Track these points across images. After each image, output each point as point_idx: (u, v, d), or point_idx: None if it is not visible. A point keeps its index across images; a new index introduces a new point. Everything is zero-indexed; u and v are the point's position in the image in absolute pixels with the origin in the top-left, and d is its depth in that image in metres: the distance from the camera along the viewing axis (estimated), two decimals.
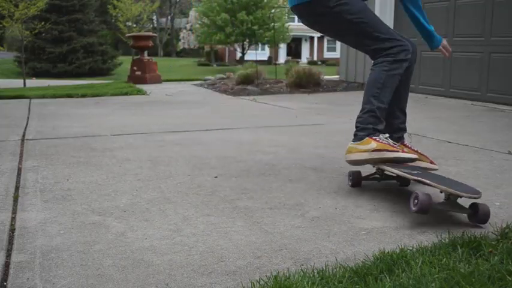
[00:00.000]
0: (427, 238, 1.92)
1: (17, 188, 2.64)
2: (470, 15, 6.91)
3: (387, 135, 2.50)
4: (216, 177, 2.86)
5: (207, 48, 38.66)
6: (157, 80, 11.15)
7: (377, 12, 8.26)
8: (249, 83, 8.75)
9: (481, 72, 6.74)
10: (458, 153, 3.42)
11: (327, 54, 42.17)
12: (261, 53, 34.85)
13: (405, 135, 2.74)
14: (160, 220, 2.15)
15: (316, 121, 5.00)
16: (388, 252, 1.72)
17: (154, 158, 3.34)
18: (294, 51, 42.51)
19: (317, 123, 4.86)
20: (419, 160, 2.55)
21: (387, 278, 1.53)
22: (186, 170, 3.01)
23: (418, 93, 7.53)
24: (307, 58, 40.55)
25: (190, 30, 40.90)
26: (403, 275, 1.54)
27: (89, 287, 1.57)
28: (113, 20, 32.93)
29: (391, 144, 2.44)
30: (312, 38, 42.67)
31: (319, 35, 42.36)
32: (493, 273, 1.52)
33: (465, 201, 2.09)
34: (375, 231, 2.02)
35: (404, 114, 2.72)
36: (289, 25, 30.77)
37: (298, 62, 25.11)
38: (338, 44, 37.66)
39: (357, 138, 2.49)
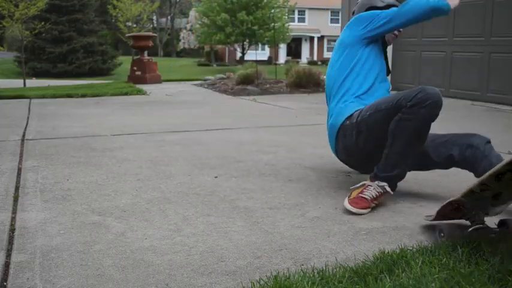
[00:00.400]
0: (427, 238, 1.92)
1: (17, 188, 2.63)
2: (470, 15, 6.91)
3: (384, 184, 2.34)
4: (216, 177, 2.86)
5: (207, 48, 38.65)
6: (157, 80, 11.15)
7: None
8: (249, 83, 8.75)
9: (481, 72, 6.75)
10: None
11: (327, 54, 42.16)
12: (261, 53, 34.85)
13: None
14: (160, 220, 2.15)
15: (316, 121, 5.00)
16: (388, 252, 1.72)
17: (154, 158, 3.34)
18: (294, 51, 42.51)
19: (317, 123, 4.86)
20: None
21: (387, 278, 1.53)
22: (186, 170, 3.01)
23: None
24: (307, 58, 40.54)
25: (190, 30, 40.89)
26: (403, 275, 1.54)
27: (89, 287, 1.57)
28: (113, 20, 32.91)
29: (364, 194, 2.31)
30: (312, 38, 42.69)
31: (319, 35, 42.42)
32: (493, 273, 1.52)
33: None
34: (375, 231, 2.02)
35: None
36: (289, 25, 30.78)
37: (298, 62, 25.11)
38: None
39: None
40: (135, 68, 11.02)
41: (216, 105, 6.59)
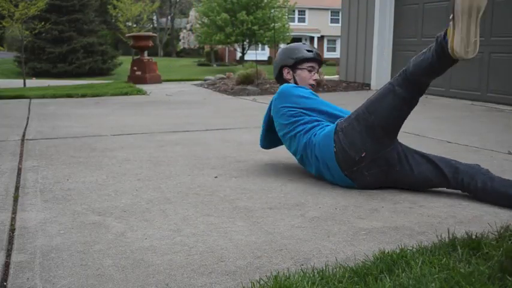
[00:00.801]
0: (427, 238, 1.92)
1: (17, 188, 2.64)
2: None
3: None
4: (216, 177, 2.86)
5: (207, 48, 38.68)
6: (157, 80, 11.15)
7: (377, 12, 8.28)
8: (249, 83, 8.75)
9: (481, 72, 6.74)
10: (458, 153, 3.41)
11: (327, 54, 42.17)
12: (261, 53, 34.86)
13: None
14: (160, 220, 2.15)
15: None
16: (388, 252, 1.72)
17: (155, 158, 3.34)
18: None
19: None
20: None
21: (387, 278, 1.53)
22: (186, 170, 3.01)
23: None
24: None
25: (190, 30, 40.92)
26: (403, 275, 1.54)
27: (89, 287, 1.57)
28: (113, 20, 32.95)
29: None
30: (312, 38, 42.70)
31: (319, 35, 42.43)
32: (493, 273, 1.52)
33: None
34: (375, 231, 2.02)
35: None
36: (289, 25, 30.79)
37: None
38: (338, 44, 37.70)
39: (446, 39, 2.31)
40: (135, 68, 11.02)
41: (216, 105, 6.59)
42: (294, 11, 39.28)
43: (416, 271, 1.56)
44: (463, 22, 2.22)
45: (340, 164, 2.54)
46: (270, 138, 3.07)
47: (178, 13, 52.12)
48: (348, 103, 6.51)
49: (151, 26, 43.97)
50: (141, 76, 10.84)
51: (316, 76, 2.89)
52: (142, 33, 16.95)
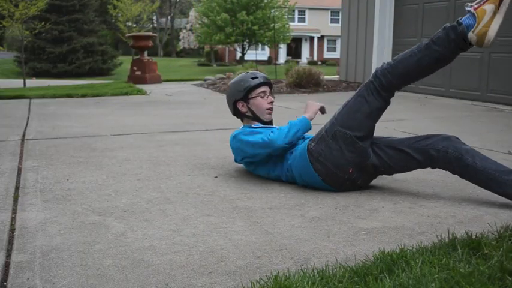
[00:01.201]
0: (427, 238, 1.92)
1: (17, 188, 2.63)
2: None
3: None
4: (216, 177, 2.86)
5: (207, 48, 38.68)
6: (157, 80, 11.15)
7: (377, 12, 8.28)
8: None
9: (481, 72, 6.75)
10: None
11: (327, 54, 42.20)
12: (261, 53, 34.87)
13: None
14: (160, 220, 2.15)
15: (316, 121, 5.00)
16: (388, 252, 1.71)
17: (154, 158, 3.34)
18: (294, 51, 42.54)
19: (317, 123, 4.85)
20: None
21: (387, 278, 1.53)
22: (186, 170, 3.01)
23: (418, 93, 7.54)
24: (307, 58, 40.56)
25: (191, 30, 40.92)
26: (403, 275, 1.54)
27: (89, 287, 1.57)
28: (113, 20, 32.95)
29: None
30: (312, 38, 42.72)
31: (319, 35, 42.43)
32: (493, 273, 1.52)
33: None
34: (375, 231, 2.02)
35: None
36: (289, 25, 30.78)
37: (298, 62, 25.11)
38: (338, 44, 37.70)
39: (469, 25, 2.30)
40: (135, 68, 11.02)
41: (216, 105, 6.59)
42: (294, 11, 39.28)
43: (416, 271, 1.56)
44: (502, 12, 2.23)
45: (332, 185, 2.55)
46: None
47: (178, 13, 52.12)
48: None
49: (151, 26, 43.96)
50: (141, 76, 10.84)
51: (270, 99, 2.85)
52: (142, 33, 16.96)
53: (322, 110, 2.83)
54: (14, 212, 2.26)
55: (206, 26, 29.45)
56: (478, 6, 2.26)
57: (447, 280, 1.49)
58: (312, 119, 2.73)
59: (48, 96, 7.56)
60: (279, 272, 1.61)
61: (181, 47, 46.82)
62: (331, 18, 42.47)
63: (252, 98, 2.82)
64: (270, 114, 2.88)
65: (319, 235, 1.97)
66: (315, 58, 41.27)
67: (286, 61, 30.21)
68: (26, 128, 4.60)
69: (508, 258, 1.62)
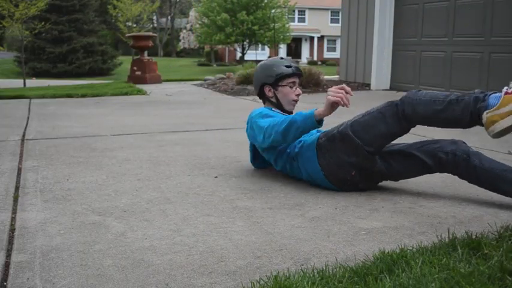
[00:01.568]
0: (427, 238, 1.92)
1: (17, 188, 2.63)
2: (470, 15, 6.92)
3: None
4: (216, 177, 2.86)
5: (207, 48, 38.68)
6: (157, 80, 11.15)
7: (377, 12, 8.28)
8: (249, 83, 8.74)
9: (481, 72, 6.75)
10: None
11: (327, 54, 42.20)
12: (261, 53, 34.85)
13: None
14: (160, 220, 2.15)
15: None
16: (388, 252, 1.72)
17: (154, 158, 3.34)
18: (294, 51, 42.53)
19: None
20: None
21: (387, 278, 1.53)
22: (186, 170, 3.01)
23: None
24: (307, 58, 40.57)
25: (191, 30, 40.92)
26: (403, 275, 1.54)
27: (89, 287, 1.57)
28: (113, 20, 32.95)
29: None
30: (312, 38, 42.72)
31: (319, 35, 42.43)
32: (493, 273, 1.52)
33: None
34: (375, 231, 2.02)
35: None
36: (289, 25, 30.78)
37: (298, 62, 25.09)
38: (338, 44, 37.71)
39: (489, 105, 2.13)
40: (135, 68, 11.02)
41: (216, 105, 6.59)
42: (294, 11, 39.29)
43: (416, 271, 1.56)
44: None
45: (333, 183, 2.56)
46: (261, 157, 2.98)
47: (178, 13, 52.12)
48: None
49: (151, 26, 43.96)
50: (141, 76, 10.84)
51: (298, 91, 2.82)
52: (142, 33, 16.95)
53: (340, 102, 2.32)
54: (14, 212, 2.26)
55: (206, 26, 29.45)
56: (511, 93, 2.10)
57: (447, 280, 1.49)
58: (325, 115, 2.36)
59: (48, 96, 7.56)
60: (279, 272, 1.61)
61: (181, 47, 46.83)
62: (331, 18, 42.47)
63: (281, 85, 2.78)
64: (294, 106, 2.86)
65: (319, 235, 1.97)
66: (315, 58, 41.27)
67: None
68: (26, 128, 4.60)
69: (508, 258, 1.62)
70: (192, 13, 39.61)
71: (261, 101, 3.02)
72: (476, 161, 2.31)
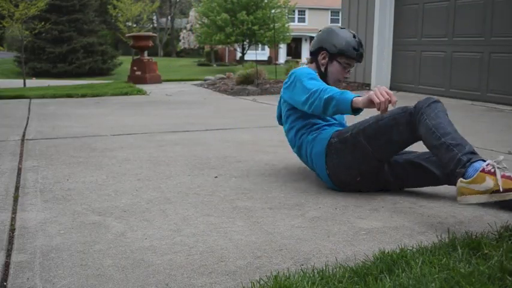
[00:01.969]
0: (427, 238, 1.92)
1: (17, 188, 2.63)
2: (470, 15, 6.91)
3: (501, 157, 2.03)
4: (216, 177, 2.86)
5: (207, 48, 38.68)
6: (157, 80, 11.15)
7: (377, 12, 8.27)
8: (249, 83, 8.75)
9: (481, 72, 6.74)
10: None
11: None
12: (261, 53, 34.86)
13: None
14: (160, 220, 2.15)
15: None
16: (388, 252, 1.72)
17: (155, 158, 3.34)
18: (294, 51, 42.53)
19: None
20: None
21: (387, 278, 1.53)
22: (186, 170, 3.01)
23: (418, 93, 7.54)
24: (307, 58, 40.37)
25: (191, 30, 40.92)
26: (403, 275, 1.54)
27: (89, 287, 1.57)
28: (113, 20, 32.95)
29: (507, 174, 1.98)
30: (312, 38, 42.64)
31: None
32: (493, 273, 1.52)
33: None
34: (375, 231, 2.02)
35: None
36: (289, 25, 30.77)
37: (298, 62, 25.11)
38: None
39: (466, 174, 2.03)
40: (135, 68, 11.02)
41: (216, 105, 6.59)
42: (294, 11, 39.28)
43: (416, 271, 1.56)
44: (489, 199, 1.98)
45: (335, 184, 2.56)
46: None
47: (178, 13, 52.11)
48: None
49: (151, 26, 43.96)
50: (141, 76, 10.84)
51: (348, 74, 2.73)
52: (142, 33, 16.97)
53: (378, 105, 2.17)
54: (14, 212, 2.26)
55: (206, 26, 29.44)
56: (487, 171, 1.97)
57: (447, 280, 1.49)
58: (360, 107, 2.26)
59: (48, 96, 7.56)
60: (279, 272, 1.61)
61: (181, 47, 46.82)
62: (331, 18, 42.45)
63: (337, 61, 2.67)
64: (337, 86, 2.73)
65: (319, 235, 1.97)
66: None
67: (286, 61, 30.20)
68: (26, 128, 4.60)
69: (508, 258, 1.62)
70: (192, 13, 39.59)
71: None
72: None
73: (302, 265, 1.69)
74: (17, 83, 15.18)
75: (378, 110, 2.16)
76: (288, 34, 30.20)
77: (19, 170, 3.02)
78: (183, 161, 3.24)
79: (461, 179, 2.03)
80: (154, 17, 44.36)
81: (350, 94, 2.29)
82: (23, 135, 4.18)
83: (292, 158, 3.32)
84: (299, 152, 2.75)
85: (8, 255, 1.80)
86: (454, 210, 2.27)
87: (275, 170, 3.00)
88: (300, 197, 2.49)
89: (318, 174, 2.66)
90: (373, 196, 2.48)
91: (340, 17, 9.99)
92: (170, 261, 1.74)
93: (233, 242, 1.91)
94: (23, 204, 2.37)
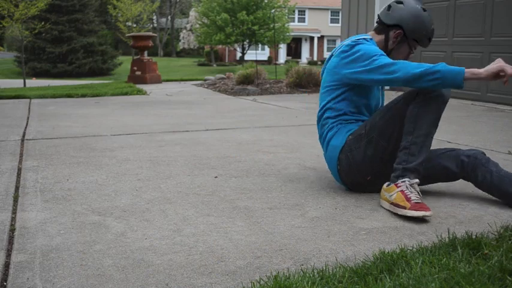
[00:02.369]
0: (427, 238, 1.92)
1: (17, 188, 2.63)
2: (470, 15, 6.91)
3: (416, 181, 2.27)
4: (216, 177, 2.86)
5: (207, 48, 38.69)
6: (157, 80, 11.16)
7: (377, 12, 8.27)
8: (249, 83, 8.75)
9: None
10: None
11: (327, 55, 42.07)
12: (261, 53, 34.88)
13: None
14: (160, 220, 2.15)
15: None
16: (388, 252, 1.72)
17: (154, 158, 3.34)
18: (294, 51, 42.55)
19: None
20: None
21: (387, 278, 1.53)
22: (186, 170, 3.01)
23: None
24: (307, 58, 40.57)
25: (191, 30, 40.94)
26: (403, 275, 1.54)
27: (89, 287, 1.57)
28: (113, 20, 32.97)
29: (408, 196, 2.20)
30: (312, 38, 42.71)
31: (319, 35, 42.43)
32: (493, 273, 1.52)
33: None
34: (375, 231, 2.02)
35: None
36: (289, 25, 30.79)
37: (298, 62, 25.13)
38: (338, 44, 37.68)
39: (391, 180, 2.32)
40: (135, 68, 11.02)
41: (216, 105, 6.59)
42: (294, 11, 39.29)
43: (416, 271, 1.56)
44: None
45: (343, 180, 2.55)
46: None
47: (179, 13, 52.12)
48: None
49: (151, 26, 43.98)
50: (141, 76, 10.84)
51: (411, 56, 2.63)
52: (142, 33, 16.96)
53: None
54: (14, 212, 2.26)
55: (206, 26, 29.45)
56: (398, 186, 2.27)
57: (447, 280, 1.49)
58: (474, 79, 2.23)
59: (48, 96, 7.56)
60: (279, 272, 1.61)
61: (181, 47, 46.84)
62: (331, 18, 42.48)
63: (407, 43, 2.56)
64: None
65: (319, 235, 1.97)
66: (315, 58, 41.28)
67: (286, 61, 30.20)
68: (26, 128, 4.60)
69: (508, 258, 1.62)
70: (192, 13, 39.60)
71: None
72: (494, 168, 2.33)
73: (302, 265, 1.69)
74: (17, 83, 15.20)
75: (504, 83, 2.19)
76: (288, 34, 30.22)
77: (19, 170, 3.02)
78: (183, 161, 3.24)
79: (387, 182, 2.34)
80: (154, 17, 44.37)
81: (450, 66, 2.25)
82: (23, 135, 4.18)
83: (292, 158, 3.32)
84: (320, 137, 2.66)
85: (8, 255, 1.80)
86: (454, 210, 2.27)
87: (275, 170, 3.00)
88: (300, 197, 2.49)
89: (328, 165, 2.62)
90: (373, 196, 2.48)
91: (340, 17, 9.99)
92: (170, 261, 1.74)
93: (233, 242, 1.91)
94: (23, 204, 2.37)
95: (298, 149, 3.62)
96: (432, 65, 2.25)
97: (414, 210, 2.14)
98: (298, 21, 41.89)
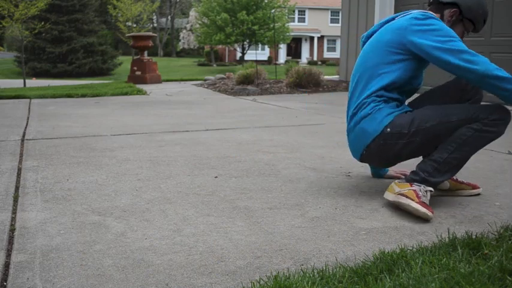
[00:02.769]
0: (427, 238, 1.92)
1: (17, 188, 2.63)
2: None
3: (431, 189, 2.23)
4: (216, 177, 2.86)
5: (207, 48, 38.70)
6: (158, 80, 11.16)
7: (377, 12, 8.27)
8: (249, 83, 8.75)
9: None
10: None
11: (327, 54, 42.20)
12: (261, 53, 34.88)
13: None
14: (160, 220, 2.15)
15: (316, 121, 5.00)
16: (388, 252, 1.72)
17: (154, 158, 3.34)
18: (294, 51, 42.55)
19: (317, 123, 4.86)
20: (460, 190, 2.47)
21: (387, 278, 1.53)
22: (186, 170, 3.01)
23: (418, 93, 7.53)
24: (307, 58, 40.58)
25: (191, 30, 40.95)
26: (403, 275, 1.54)
27: (89, 287, 1.57)
28: (113, 20, 32.99)
29: (419, 195, 2.18)
30: (312, 38, 42.72)
31: (319, 35, 42.43)
32: (493, 273, 1.52)
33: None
34: (375, 231, 2.02)
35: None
36: (289, 25, 30.80)
37: (298, 62, 25.13)
38: (338, 44, 37.71)
39: (406, 179, 2.30)
40: (135, 68, 11.03)
41: (216, 105, 6.59)
42: (294, 11, 39.30)
43: (416, 271, 1.56)
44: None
45: (361, 160, 2.48)
46: None
47: (179, 13, 52.13)
48: None
49: (151, 26, 43.98)
50: (141, 76, 10.84)
51: (462, 38, 2.49)
52: (142, 33, 16.96)
53: None
54: (14, 212, 2.27)
55: (206, 26, 29.46)
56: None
57: (447, 280, 1.49)
58: None
59: (48, 96, 7.56)
60: (279, 272, 1.61)
61: (181, 47, 46.84)
62: (331, 18, 42.49)
63: (463, 23, 2.44)
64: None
65: (319, 235, 1.98)
66: (315, 58, 41.28)
67: (286, 61, 30.21)
68: (26, 128, 4.60)
69: (508, 258, 1.62)
70: (192, 13, 39.62)
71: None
72: None
73: (302, 265, 1.69)
74: (17, 83, 15.20)
75: None
76: (288, 34, 30.23)
77: (19, 170, 3.02)
78: (183, 161, 3.24)
79: (398, 180, 2.34)
80: (154, 17, 44.37)
81: None
82: (23, 135, 4.18)
83: (292, 158, 3.32)
84: (347, 114, 2.51)
85: (8, 255, 1.80)
86: (454, 210, 2.27)
87: (275, 170, 3.01)
88: (300, 197, 2.49)
89: (350, 143, 2.48)
90: (373, 196, 2.48)
91: (340, 17, 9.99)
92: (170, 261, 1.74)
93: (233, 242, 1.91)
94: (23, 204, 2.37)
95: (298, 149, 3.62)
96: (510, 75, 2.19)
97: (420, 205, 2.12)
98: (298, 21, 41.89)
